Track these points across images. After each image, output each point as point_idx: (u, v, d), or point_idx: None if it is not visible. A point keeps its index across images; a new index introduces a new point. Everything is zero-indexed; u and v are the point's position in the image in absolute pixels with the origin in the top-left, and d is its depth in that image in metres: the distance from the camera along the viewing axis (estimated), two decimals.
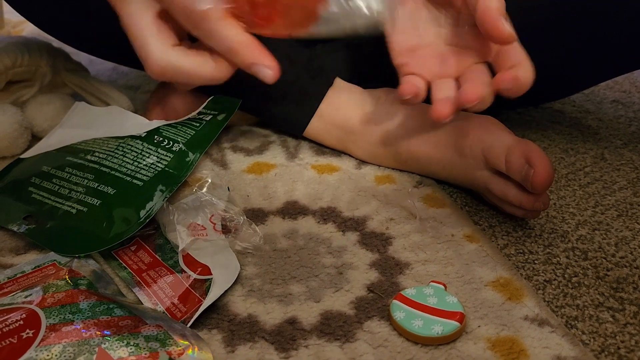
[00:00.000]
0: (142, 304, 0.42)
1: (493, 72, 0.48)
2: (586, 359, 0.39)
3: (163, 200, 0.48)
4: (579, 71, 0.70)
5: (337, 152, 0.65)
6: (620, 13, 0.60)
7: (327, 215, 0.54)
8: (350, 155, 0.64)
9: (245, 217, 0.49)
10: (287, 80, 0.63)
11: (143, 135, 0.55)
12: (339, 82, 0.65)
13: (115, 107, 0.63)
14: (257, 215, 0.53)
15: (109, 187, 0.49)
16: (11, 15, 1.06)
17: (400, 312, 0.41)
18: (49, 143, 0.59)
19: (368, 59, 0.68)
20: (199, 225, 0.47)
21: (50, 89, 0.67)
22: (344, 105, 0.63)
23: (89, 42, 0.65)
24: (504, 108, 0.75)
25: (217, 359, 0.38)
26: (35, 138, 0.64)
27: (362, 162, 0.64)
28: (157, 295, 0.42)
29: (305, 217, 0.53)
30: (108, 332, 0.36)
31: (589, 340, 0.42)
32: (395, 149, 0.61)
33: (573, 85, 0.75)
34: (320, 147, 0.66)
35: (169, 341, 0.37)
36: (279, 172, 0.61)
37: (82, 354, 0.35)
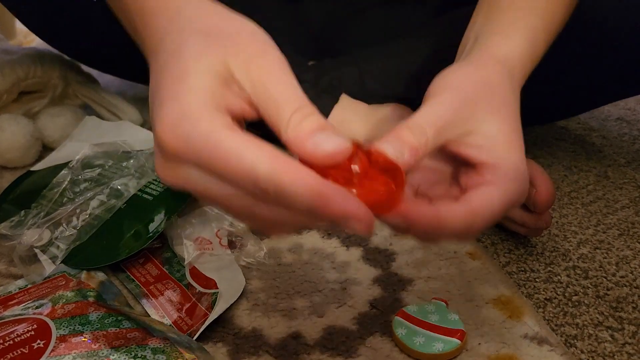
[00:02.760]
0: (149, 315, 0.43)
1: None
2: None
3: (172, 215, 0.49)
4: (586, 93, 0.71)
5: None
6: (626, 39, 0.60)
7: (332, 230, 0.55)
8: None
9: (250, 233, 0.50)
10: None
11: (153, 151, 0.56)
12: (344, 99, 0.65)
13: (126, 121, 0.64)
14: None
15: (119, 202, 0.50)
16: (23, 25, 1.08)
17: (402, 328, 0.42)
18: (60, 156, 0.60)
19: (375, 75, 0.69)
20: (205, 239, 0.48)
21: (61, 100, 0.68)
22: (349, 122, 0.64)
23: (87, 54, 0.66)
24: None
25: None
26: (46, 149, 0.65)
27: None
28: (164, 307, 0.43)
29: (310, 232, 0.54)
30: (116, 344, 0.37)
31: (588, 359, 0.42)
32: None
33: (580, 106, 0.76)
34: None
35: (175, 354, 0.38)
36: None
37: None
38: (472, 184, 0.35)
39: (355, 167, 0.31)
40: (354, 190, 0.30)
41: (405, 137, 0.33)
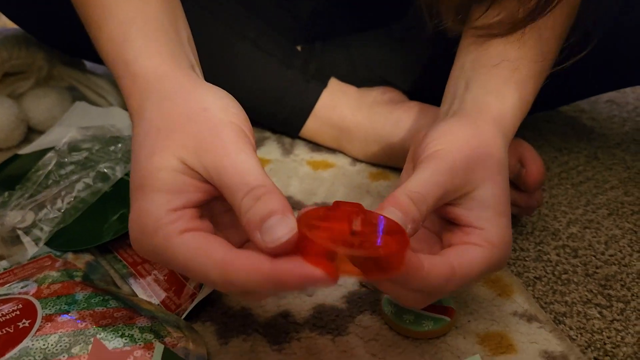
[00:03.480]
0: (136, 296, 0.43)
1: None
2: (573, 354, 0.39)
3: None
4: (585, 82, 0.70)
5: (334, 150, 0.66)
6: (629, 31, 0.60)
7: None
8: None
9: None
10: (282, 84, 0.63)
11: None
12: (333, 82, 0.65)
13: (116, 107, 0.63)
14: None
15: (105, 185, 0.49)
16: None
17: (391, 306, 0.42)
18: (48, 140, 0.59)
19: (367, 61, 0.69)
20: None
21: (46, 82, 0.67)
22: (339, 105, 0.63)
23: (69, 46, 0.65)
24: None
25: (211, 351, 0.39)
26: (31, 131, 0.64)
27: (357, 160, 0.64)
28: (152, 287, 0.43)
29: None
30: (103, 323, 0.37)
31: (576, 336, 0.42)
32: (390, 148, 0.61)
33: (578, 94, 0.75)
34: (317, 145, 0.66)
35: (163, 332, 0.37)
36: (274, 167, 0.61)
37: (78, 344, 0.36)
38: (456, 242, 0.36)
39: (356, 225, 0.30)
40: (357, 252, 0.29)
41: (408, 208, 0.33)
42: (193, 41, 0.40)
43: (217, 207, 0.35)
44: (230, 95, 0.35)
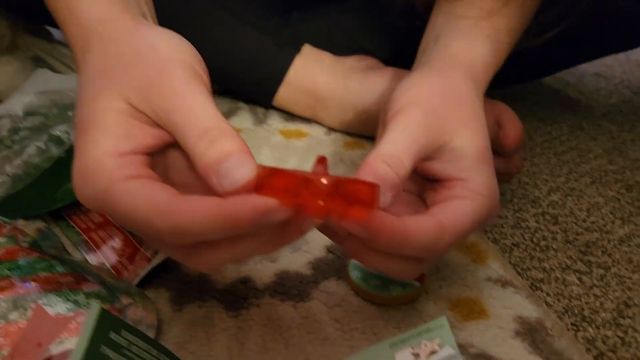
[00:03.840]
0: (88, 262, 0.40)
1: None
2: (549, 320, 0.37)
3: None
4: (566, 51, 0.68)
5: (308, 120, 0.63)
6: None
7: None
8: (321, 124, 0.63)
9: None
10: (252, 46, 0.61)
11: None
12: (307, 49, 0.62)
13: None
14: None
15: (59, 150, 0.47)
16: None
17: (357, 271, 0.39)
18: (5, 108, 0.56)
19: (343, 27, 0.66)
20: None
21: (10, 52, 0.64)
22: (313, 72, 0.61)
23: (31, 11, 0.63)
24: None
25: (164, 318, 0.36)
26: None
27: (332, 129, 0.62)
28: (104, 254, 0.40)
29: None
30: (47, 288, 0.35)
31: (554, 302, 0.40)
32: (366, 115, 0.59)
33: (558, 65, 0.73)
34: (291, 115, 0.64)
35: (111, 298, 0.35)
36: (245, 136, 0.59)
37: (17, 309, 0.33)
38: (441, 198, 0.33)
39: (323, 182, 0.27)
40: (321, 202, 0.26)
41: (385, 175, 0.30)
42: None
43: (177, 163, 0.32)
44: (183, 38, 0.33)
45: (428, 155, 0.33)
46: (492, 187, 0.34)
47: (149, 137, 0.30)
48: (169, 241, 0.28)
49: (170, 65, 0.30)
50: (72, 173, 0.30)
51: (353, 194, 0.27)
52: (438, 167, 0.34)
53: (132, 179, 0.28)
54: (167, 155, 0.31)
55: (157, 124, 0.30)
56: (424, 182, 0.36)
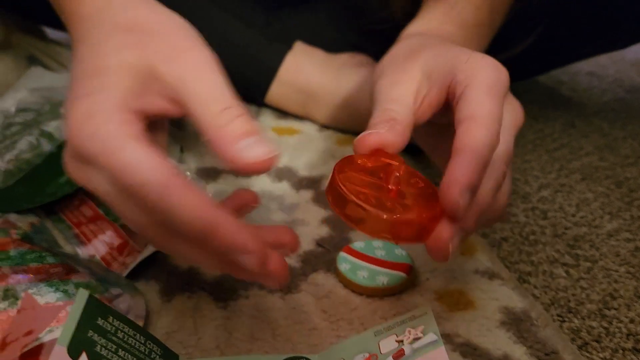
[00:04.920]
0: (78, 255, 0.41)
1: None
2: (534, 311, 0.38)
3: None
4: (562, 47, 0.69)
5: (300, 117, 0.64)
6: None
7: (283, 174, 0.52)
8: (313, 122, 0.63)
9: (194, 175, 0.48)
10: (243, 43, 0.61)
11: None
12: (299, 46, 0.63)
13: None
14: (209, 174, 0.52)
15: (51, 145, 0.47)
16: None
17: (346, 263, 0.40)
18: (0, 104, 0.57)
19: (334, 23, 0.67)
20: None
21: (3, 49, 0.65)
22: (304, 69, 0.61)
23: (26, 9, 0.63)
24: None
25: (152, 309, 0.37)
26: None
27: (325, 126, 0.62)
28: (95, 246, 0.41)
29: (260, 176, 0.52)
30: (37, 278, 0.35)
31: (540, 294, 0.41)
32: (358, 112, 0.59)
33: (552, 63, 0.74)
34: (283, 113, 0.64)
35: (100, 288, 0.35)
36: None
37: (7, 299, 0.34)
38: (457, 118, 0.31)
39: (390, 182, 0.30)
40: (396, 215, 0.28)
41: (389, 115, 0.32)
42: None
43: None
44: None
45: (443, 95, 0.33)
46: (493, 62, 0.32)
47: (155, 105, 0.30)
48: (142, 205, 0.28)
49: (198, 43, 0.31)
50: (68, 116, 0.29)
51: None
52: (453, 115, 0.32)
53: (138, 138, 0.28)
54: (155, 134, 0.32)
55: (166, 95, 0.30)
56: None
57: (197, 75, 0.29)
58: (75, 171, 0.30)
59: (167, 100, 0.30)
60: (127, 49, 0.30)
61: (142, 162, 0.27)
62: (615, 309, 0.39)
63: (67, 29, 0.35)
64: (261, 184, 0.51)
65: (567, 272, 0.43)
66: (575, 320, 0.38)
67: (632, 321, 0.38)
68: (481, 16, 0.43)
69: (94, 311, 0.30)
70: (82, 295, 0.29)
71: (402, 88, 0.33)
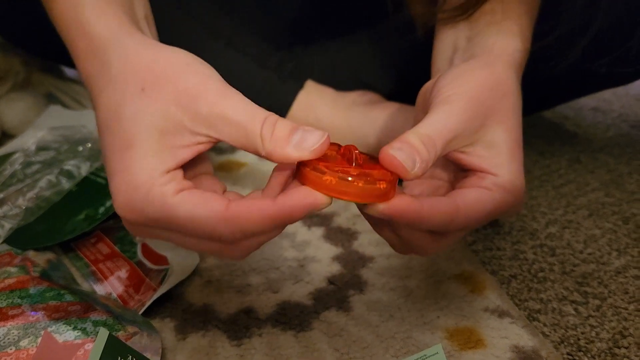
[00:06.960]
0: (96, 292, 0.41)
1: None
2: (544, 349, 0.38)
3: None
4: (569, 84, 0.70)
5: None
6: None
7: None
8: None
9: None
10: (256, 81, 0.63)
11: None
12: (310, 85, 0.64)
13: (90, 110, 0.63)
14: None
15: (70, 183, 0.48)
16: None
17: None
18: (19, 143, 0.58)
19: (345, 62, 0.68)
20: None
21: (24, 88, 0.67)
22: (315, 107, 0.63)
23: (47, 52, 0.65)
24: None
25: (168, 346, 0.37)
26: (5, 135, 0.63)
27: None
28: (112, 284, 0.42)
29: None
30: (56, 316, 0.36)
31: (550, 332, 0.41)
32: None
33: (557, 99, 0.75)
34: None
35: (117, 326, 0.36)
36: (249, 170, 0.61)
37: (27, 337, 0.34)
38: (467, 185, 0.34)
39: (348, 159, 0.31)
40: (351, 177, 0.29)
41: (418, 147, 0.31)
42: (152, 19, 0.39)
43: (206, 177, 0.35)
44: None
45: (463, 145, 0.34)
46: (519, 185, 0.34)
47: (187, 149, 0.31)
48: (226, 240, 0.30)
49: (207, 73, 0.32)
50: (113, 192, 0.30)
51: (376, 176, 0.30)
52: (472, 159, 0.34)
53: (181, 191, 0.30)
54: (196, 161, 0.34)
55: (194, 134, 0.31)
56: (457, 170, 0.37)
57: (222, 110, 0.30)
58: (137, 233, 0.32)
59: (200, 142, 0.31)
60: (145, 111, 0.31)
61: (197, 213, 0.29)
62: (626, 347, 0.40)
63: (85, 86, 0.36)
64: None
65: (576, 309, 0.43)
66: (586, 359, 0.38)
67: None
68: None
69: (113, 350, 0.30)
70: (103, 334, 0.30)
71: (442, 132, 0.33)
